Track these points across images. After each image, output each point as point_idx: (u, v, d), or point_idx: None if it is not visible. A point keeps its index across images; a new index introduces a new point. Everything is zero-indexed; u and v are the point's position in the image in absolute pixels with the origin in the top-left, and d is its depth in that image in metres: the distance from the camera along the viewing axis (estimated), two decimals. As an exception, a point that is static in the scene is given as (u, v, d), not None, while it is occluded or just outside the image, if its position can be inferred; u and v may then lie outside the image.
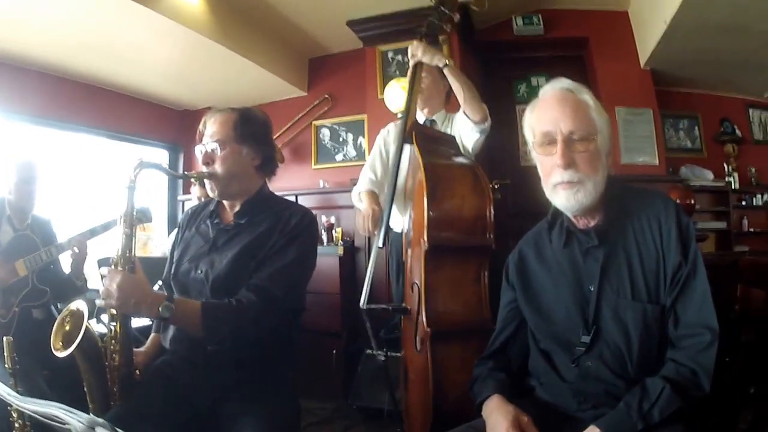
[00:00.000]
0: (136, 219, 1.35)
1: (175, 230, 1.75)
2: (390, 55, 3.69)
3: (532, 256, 1.28)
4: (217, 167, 1.47)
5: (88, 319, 1.23)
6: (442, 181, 1.72)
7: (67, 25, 3.01)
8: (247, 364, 1.39)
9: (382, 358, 1.88)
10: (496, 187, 3.75)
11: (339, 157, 4.01)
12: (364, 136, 3.93)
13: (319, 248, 3.42)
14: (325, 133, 4.07)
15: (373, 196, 2.29)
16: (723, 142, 4.58)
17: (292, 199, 3.88)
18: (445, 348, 1.58)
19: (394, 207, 2.01)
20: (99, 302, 1.25)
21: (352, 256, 3.72)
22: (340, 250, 3.53)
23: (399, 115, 2.23)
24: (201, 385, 1.37)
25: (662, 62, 3.95)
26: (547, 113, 1.14)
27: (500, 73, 4.23)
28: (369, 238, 3.37)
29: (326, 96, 4.09)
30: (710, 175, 4.27)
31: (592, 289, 1.12)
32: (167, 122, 4.28)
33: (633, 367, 1.07)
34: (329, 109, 4.09)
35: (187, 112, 4.31)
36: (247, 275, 1.41)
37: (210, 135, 1.49)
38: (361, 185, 2.38)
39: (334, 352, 3.36)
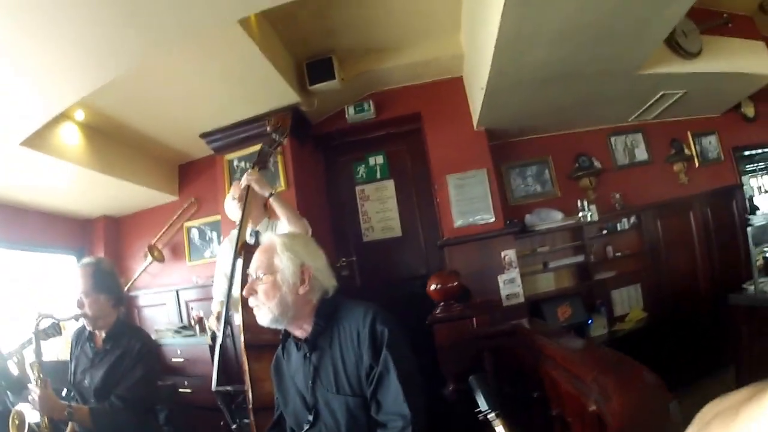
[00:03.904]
0: (41, 341, 2.33)
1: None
2: (235, 162, 4.14)
3: (284, 357, 1.71)
4: (87, 310, 2.29)
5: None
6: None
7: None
8: None
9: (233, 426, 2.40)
10: (343, 264, 4.21)
11: (207, 253, 4.45)
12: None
13: (192, 339, 3.94)
14: (195, 233, 4.53)
15: (219, 314, 2.75)
16: (578, 177, 4.90)
17: (173, 294, 4.39)
18: (264, 417, 1.99)
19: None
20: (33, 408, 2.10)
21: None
22: (209, 339, 3.99)
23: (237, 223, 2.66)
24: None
25: (493, 122, 4.29)
26: None
27: (339, 158, 4.63)
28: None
29: (193, 199, 4.56)
30: (559, 215, 4.57)
31: (310, 384, 1.55)
32: (70, 231, 4.75)
33: None
34: (196, 211, 4.55)
35: (87, 221, 4.82)
36: (114, 386, 2.22)
37: (78, 287, 2.30)
38: (214, 306, 2.92)
39: (222, 423, 3.83)
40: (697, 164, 5.22)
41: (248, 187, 2.62)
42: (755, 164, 5.49)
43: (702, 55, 4.15)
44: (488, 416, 1.29)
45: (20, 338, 3.11)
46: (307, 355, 1.57)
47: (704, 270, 4.88)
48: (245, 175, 2.64)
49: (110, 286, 2.38)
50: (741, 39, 4.44)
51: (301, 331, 1.59)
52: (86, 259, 2.45)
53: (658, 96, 4.47)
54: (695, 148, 5.27)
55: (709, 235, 4.99)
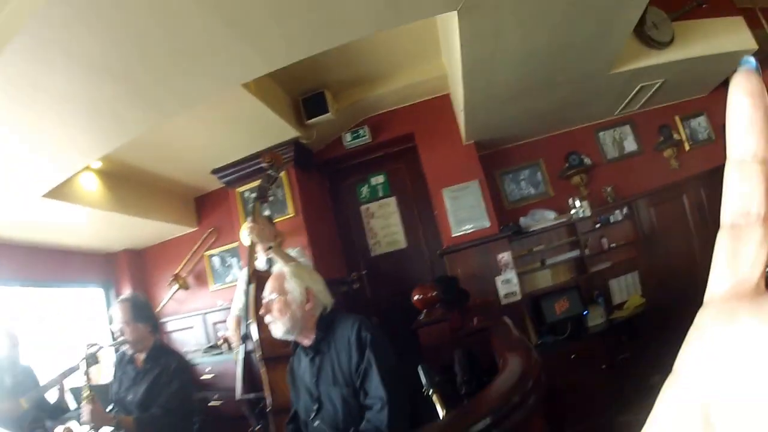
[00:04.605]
0: (89, 367, 2.69)
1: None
2: (246, 194, 4.52)
3: (296, 363, 2.16)
4: (128, 337, 2.73)
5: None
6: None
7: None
8: None
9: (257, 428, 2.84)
10: (354, 278, 4.56)
11: (228, 278, 4.84)
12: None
13: (219, 357, 4.32)
14: (216, 261, 4.93)
15: (238, 319, 3.21)
16: (569, 176, 5.15)
17: (200, 318, 4.80)
18: (281, 419, 2.34)
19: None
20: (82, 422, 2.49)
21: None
22: (236, 356, 4.38)
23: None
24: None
25: (479, 134, 4.58)
26: None
27: (343, 181, 4.99)
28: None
29: (212, 229, 4.96)
30: (552, 214, 4.83)
31: (315, 380, 2.00)
32: (96, 266, 5.17)
33: (342, 424, 1.93)
34: (216, 239, 4.95)
35: (110, 255, 5.26)
36: (154, 399, 2.63)
37: (118, 320, 2.75)
38: (232, 312, 3.32)
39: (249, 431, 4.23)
40: (687, 148, 5.29)
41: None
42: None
43: (675, 42, 4.19)
44: (429, 393, 1.75)
45: (57, 369, 3.55)
46: (313, 358, 2.02)
47: (702, 251, 5.01)
48: (246, 233, 2.97)
49: (146, 315, 2.84)
50: (717, 18, 4.38)
51: (308, 340, 2.04)
52: (123, 295, 2.98)
53: (637, 89, 4.57)
54: (684, 131, 5.37)
55: (705, 216, 5.10)
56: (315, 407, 1.99)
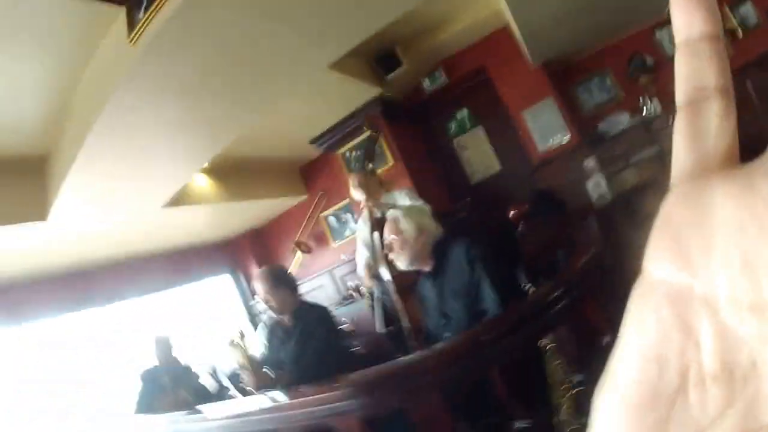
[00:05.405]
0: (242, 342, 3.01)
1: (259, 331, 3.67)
2: (347, 154, 5.04)
3: (422, 287, 2.52)
4: (273, 303, 3.05)
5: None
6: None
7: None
8: None
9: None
10: (460, 207, 5.02)
11: (347, 232, 5.40)
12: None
13: (353, 305, 4.86)
14: (332, 220, 5.50)
15: (368, 264, 3.52)
16: (636, 77, 5.36)
17: (327, 275, 5.42)
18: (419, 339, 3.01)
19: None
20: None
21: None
22: (368, 301, 4.91)
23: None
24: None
25: (543, 55, 4.86)
26: None
27: (432, 122, 5.41)
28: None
29: (322, 192, 5.51)
30: (626, 117, 5.07)
31: (439, 298, 2.39)
32: (219, 255, 5.87)
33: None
34: (327, 201, 5.49)
35: (231, 243, 5.93)
36: (306, 350, 2.97)
37: (261, 291, 3.08)
38: (360, 261, 3.67)
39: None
40: (740, 35, 5.24)
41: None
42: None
43: None
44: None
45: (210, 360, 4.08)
46: (435, 280, 2.42)
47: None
48: (356, 190, 3.35)
49: (285, 280, 3.18)
50: None
51: (428, 267, 2.43)
52: (258, 270, 3.38)
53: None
54: (735, 19, 5.46)
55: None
56: (443, 322, 2.38)
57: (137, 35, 2.39)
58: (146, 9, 2.31)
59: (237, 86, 3.20)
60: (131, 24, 2.41)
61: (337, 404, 1.91)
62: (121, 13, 2.46)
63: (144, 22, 2.34)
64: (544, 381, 1.95)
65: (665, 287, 0.21)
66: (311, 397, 2.09)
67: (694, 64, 0.23)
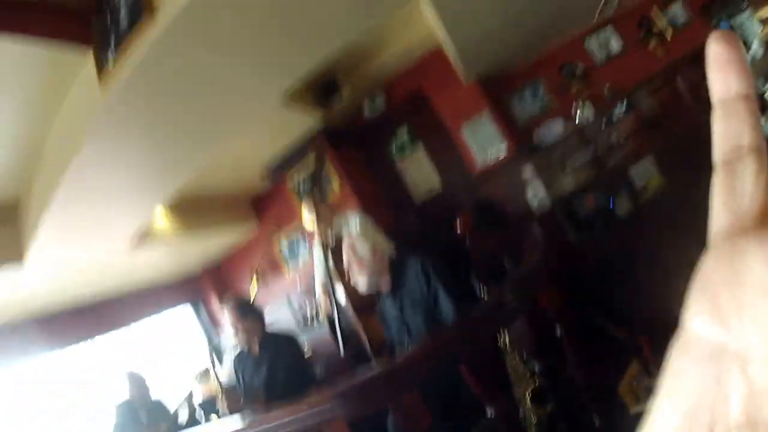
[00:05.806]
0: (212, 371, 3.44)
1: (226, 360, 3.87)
2: (296, 181, 5.14)
3: (383, 305, 2.68)
4: (241, 334, 3.21)
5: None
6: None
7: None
8: None
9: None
10: (408, 225, 5.14)
11: (300, 259, 5.48)
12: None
13: (313, 332, 4.92)
14: (285, 248, 5.58)
15: (324, 288, 3.62)
16: (568, 86, 5.59)
17: (285, 303, 5.49)
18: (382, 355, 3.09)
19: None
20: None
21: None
22: (325, 324, 4.96)
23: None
24: None
25: (477, 70, 5.00)
26: None
27: (375, 145, 5.52)
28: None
29: (274, 222, 5.60)
30: (559, 125, 5.31)
31: (399, 312, 2.53)
32: (181, 289, 5.96)
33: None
34: (280, 230, 5.56)
35: (191, 278, 6.00)
36: (277, 375, 3.13)
37: (228, 322, 3.25)
38: (317, 284, 3.83)
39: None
40: (670, 35, 5.52)
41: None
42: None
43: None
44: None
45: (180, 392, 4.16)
46: (394, 296, 2.56)
47: (706, 120, 5.36)
48: (308, 219, 3.57)
49: (250, 310, 3.35)
50: None
51: (386, 284, 2.57)
52: (225, 301, 3.51)
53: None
54: (664, 20, 5.71)
55: (700, 90, 5.45)
56: (405, 334, 2.52)
57: (106, 80, 2.43)
58: (114, 50, 2.34)
59: (198, 123, 3.29)
60: (99, 66, 2.44)
61: (327, 407, 1.97)
62: (90, 57, 2.48)
63: (113, 67, 2.38)
64: (507, 377, 2.16)
65: (702, 343, 0.22)
66: (300, 405, 2.14)
67: (731, 123, 0.25)
